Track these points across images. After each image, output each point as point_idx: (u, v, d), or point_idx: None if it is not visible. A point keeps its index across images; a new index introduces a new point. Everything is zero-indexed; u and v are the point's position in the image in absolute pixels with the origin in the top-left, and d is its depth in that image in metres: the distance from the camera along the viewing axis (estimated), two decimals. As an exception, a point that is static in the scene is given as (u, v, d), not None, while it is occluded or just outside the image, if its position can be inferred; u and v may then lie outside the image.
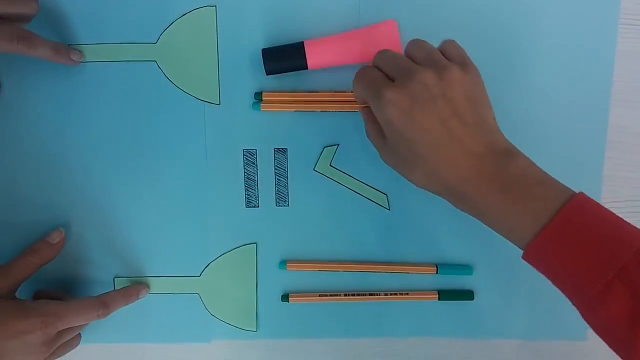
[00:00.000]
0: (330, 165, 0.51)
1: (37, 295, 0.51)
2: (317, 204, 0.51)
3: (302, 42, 0.46)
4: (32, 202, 0.51)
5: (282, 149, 0.51)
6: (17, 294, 0.47)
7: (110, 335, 0.53)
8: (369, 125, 0.45)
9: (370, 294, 0.53)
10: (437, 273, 0.52)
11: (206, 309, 0.53)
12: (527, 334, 0.54)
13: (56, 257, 0.50)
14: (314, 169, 0.51)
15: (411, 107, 0.39)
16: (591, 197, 0.50)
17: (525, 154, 0.40)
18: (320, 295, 0.52)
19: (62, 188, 0.51)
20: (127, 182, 0.51)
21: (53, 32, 0.48)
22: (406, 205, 0.51)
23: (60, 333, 0.45)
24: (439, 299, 0.53)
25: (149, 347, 0.54)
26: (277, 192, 0.51)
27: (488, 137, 0.40)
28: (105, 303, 0.47)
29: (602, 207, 0.38)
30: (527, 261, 0.39)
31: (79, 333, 0.50)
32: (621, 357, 0.37)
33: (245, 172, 0.51)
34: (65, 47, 0.47)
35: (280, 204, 0.52)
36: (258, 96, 0.49)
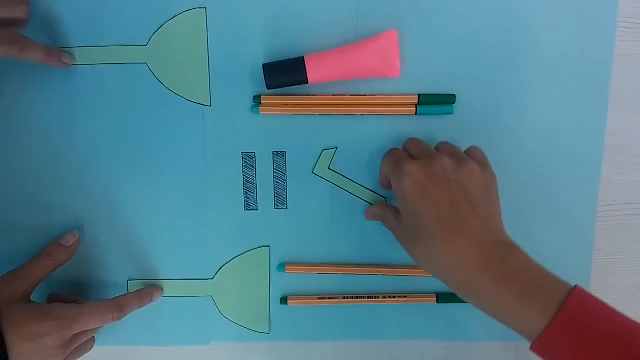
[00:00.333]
0: (329, 168, 0.51)
1: (51, 298, 0.51)
2: (316, 207, 0.52)
3: (303, 57, 0.46)
4: (37, 204, 0.51)
5: (281, 152, 0.51)
6: (31, 297, 0.48)
7: (123, 338, 0.54)
8: (387, 209, 0.48)
9: (368, 297, 0.53)
10: (435, 276, 0.52)
11: (219, 311, 0.53)
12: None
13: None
14: (312, 172, 0.51)
15: (426, 181, 0.42)
16: (588, 199, 0.51)
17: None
18: (319, 298, 0.53)
19: (66, 190, 0.51)
20: (130, 185, 0.51)
21: (44, 35, 0.48)
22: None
23: (76, 336, 0.45)
24: (437, 302, 0.53)
25: (155, 350, 0.55)
26: (276, 195, 0.51)
27: (495, 230, 0.42)
28: (120, 306, 0.47)
29: (598, 299, 0.39)
30: (536, 353, 0.39)
31: (93, 336, 0.50)
32: None
33: (244, 175, 0.51)
34: (57, 50, 0.47)
35: (279, 207, 0.52)
36: (257, 99, 0.49)
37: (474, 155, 0.45)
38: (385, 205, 0.49)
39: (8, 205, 0.51)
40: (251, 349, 0.54)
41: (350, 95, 0.49)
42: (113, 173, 0.51)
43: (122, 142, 0.51)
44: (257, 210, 0.52)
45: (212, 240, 0.52)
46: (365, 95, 0.49)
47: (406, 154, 0.46)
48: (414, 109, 0.49)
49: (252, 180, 0.51)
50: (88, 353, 0.50)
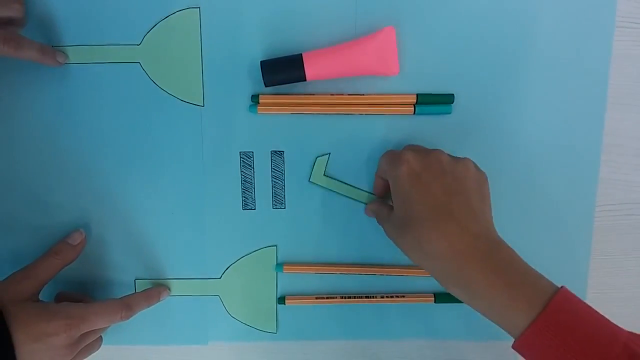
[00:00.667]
0: (324, 175, 0.51)
1: (59, 297, 0.51)
2: (314, 206, 0.52)
3: (301, 54, 0.46)
4: (36, 203, 0.51)
5: (279, 151, 0.51)
6: (39, 296, 0.47)
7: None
8: (382, 206, 0.48)
9: (366, 297, 0.53)
10: (433, 275, 0.52)
11: (226, 310, 0.53)
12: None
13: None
14: (309, 180, 0.51)
15: (421, 170, 0.43)
16: (586, 199, 0.51)
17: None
18: (316, 298, 0.53)
19: (65, 189, 0.51)
20: (128, 184, 0.51)
21: (38, 33, 0.48)
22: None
23: (84, 335, 0.45)
24: (435, 302, 0.53)
25: (156, 350, 0.55)
26: (274, 195, 0.51)
27: (485, 225, 0.42)
28: (128, 305, 0.47)
29: (583, 301, 0.39)
30: (517, 350, 0.40)
31: (101, 336, 0.50)
32: None
33: (242, 175, 0.51)
34: (51, 49, 0.47)
35: (277, 207, 0.52)
36: (255, 99, 0.49)
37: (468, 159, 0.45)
38: (381, 202, 0.49)
39: (9, 204, 0.51)
40: (254, 348, 0.54)
41: (349, 94, 0.49)
42: (110, 172, 0.51)
43: (116, 141, 0.50)
44: (254, 209, 0.52)
45: (212, 240, 0.52)
46: (363, 94, 0.49)
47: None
48: (412, 108, 0.49)
49: (250, 180, 0.51)
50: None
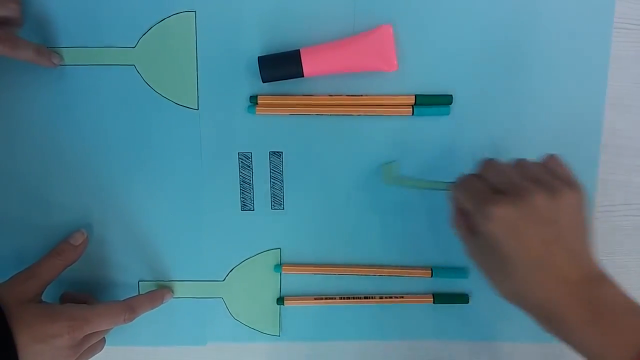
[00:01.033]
0: (396, 176, 0.50)
1: (64, 298, 0.51)
2: (313, 207, 0.52)
3: (299, 50, 0.46)
4: (34, 203, 0.51)
5: (278, 152, 0.51)
6: (42, 297, 0.47)
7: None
8: (457, 216, 0.45)
9: (365, 297, 0.53)
10: (432, 276, 0.52)
11: (230, 313, 0.53)
12: (521, 336, 0.54)
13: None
14: (384, 183, 0.50)
15: (517, 225, 0.39)
16: (589, 203, 0.51)
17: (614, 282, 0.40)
18: (315, 299, 0.53)
19: (64, 189, 0.51)
20: (127, 186, 0.51)
21: (34, 34, 0.48)
22: (401, 208, 0.51)
23: (87, 337, 0.45)
24: (434, 302, 0.53)
25: (157, 350, 0.55)
26: (273, 196, 0.51)
27: (585, 263, 0.40)
28: (132, 307, 0.47)
29: None
30: None
31: (104, 337, 0.50)
32: None
33: (240, 176, 0.51)
34: (47, 50, 0.47)
35: (276, 208, 0.52)
36: (253, 99, 0.49)
37: (557, 173, 0.41)
38: (461, 217, 0.44)
39: (8, 204, 0.51)
40: (254, 349, 0.54)
41: (347, 95, 0.49)
42: (108, 174, 0.51)
43: (111, 143, 0.50)
44: (253, 210, 0.52)
45: (212, 242, 0.52)
46: (362, 95, 0.49)
47: (487, 186, 0.42)
48: (411, 109, 0.49)
49: (248, 181, 0.51)
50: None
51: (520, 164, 0.43)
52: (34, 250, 0.51)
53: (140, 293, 0.53)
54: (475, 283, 0.53)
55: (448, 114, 0.49)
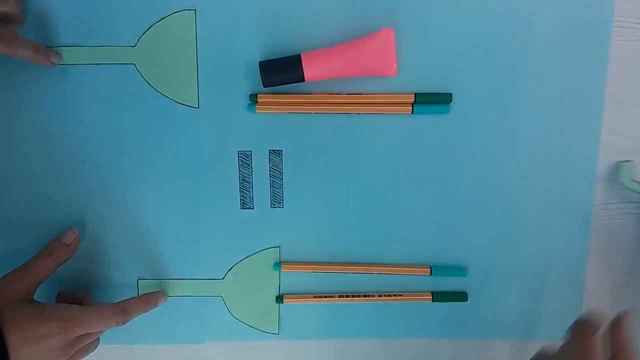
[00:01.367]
0: (632, 180, 0.50)
1: (60, 295, 0.50)
2: (312, 205, 0.52)
3: (299, 55, 0.46)
4: (33, 203, 0.51)
5: (277, 150, 0.51)
6: (36, 296, 0.47)
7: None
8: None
9: (364, 296, 0.53)
10: (431, 274, 0.52)
11: (229, 311, 0.53)
12: (520, 334, 0.54)
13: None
14: (621, 184, 0.50)
15: None
16: (584, 199, 0.51)
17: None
18: (314, 297, 0.53)
19: (63, 189, 0.51)
20: (126, 185, 0.51)
21: (33, 33, 0.48)
22: (400, 206, 0.52)
23: (79, 338, 0.45)
24: (432, 301, 0.53)
25: (155, 348, 0.55)
26: (272, 194, 0.51)
27: None
28: (125, 310, 0.47)
29: None
30: None
31: (98, 337, 0.49)
32: None
33: (240, 174, 0.51)
34: (46, 48, 0.47)
35: (275, 206, 0.52)
36: (253, 98, 0.49)
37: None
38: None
39: (5, 203, 0.51)
40: (252, 347, 0.54)
41: (347, 94, 0.49)
42: (108, 173, 0.51)
43: (111, 142, 0.50)
44: (253, 209, 0.52)
45: (211, 240, 0.52)
46: (361, 94, 0.49)
47: None
48: (411, 107, 0.49)
49: (248, 179, 0.51)
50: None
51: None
52: (31, 250, 0.50)
53: (139, 292, 0.53)
54: (474, 281, 0.53)
55: (448, 112, 0.49)
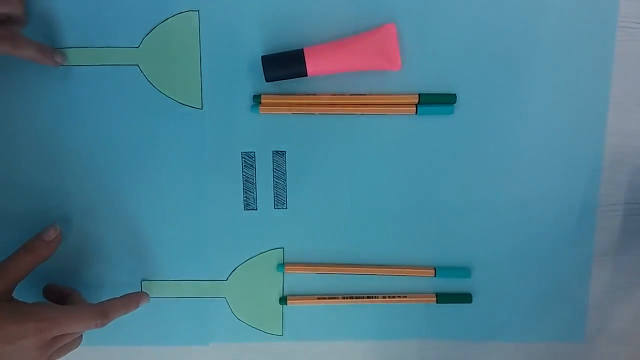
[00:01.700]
0: None
1: (47, 289, 0.50)
2: (316, 206, 0.51)
3: (302, 49, 0.46)
4: (33, 204, 0.51)
5: (281, 151, 0.51)
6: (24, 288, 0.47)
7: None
8: None
9: (368, 297, 0.53)
10: (435, 276, 0.52)
11: (232, 313, 0.53)
12: (525, 336, 0.54)
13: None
14: None
15: None
16: (589, 199, 0.51)
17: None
18: (318, 298, 0.53)
19: (63, 189, 0.51)
20: (129, 186, 0.51)
21: (37, 34, 0.48)
22: (404, 208, 0.51)
23: (57, 338, 0.44)
24: (437, 302, 0.53)
25: (157, 350, 0.54)
26: (276, 195, 0.51)
27: None
28: (104, 312, 0.46)
29: None
30: None
31: (81, 335, 0.49)
32: None
33: (243, 175, 0.51)
34: (50, 48, 0.47)
35: (279, 207, 0.51)
36: (257, 99, 0.49)
37: None
38: None
39: (8, 203, 0.51)
40: (256, 349, 0.54)
41: (351, 94, 0.49)
42: (111, 175, 0.51)
43: (115, 143, 0.50)
44: (256, 210, 0.52)
45: (215, 241, 0.52)
46: (365, 94, 0.49)
47: None
48: (415, 108, 0.49)
49: (251, 180, 0.51)
50: (94, 354, 0.50)
51: None
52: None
53: (142, 291, 0.53)
54: (478, 283, 0.53)
55: (452, 113, 0.49)
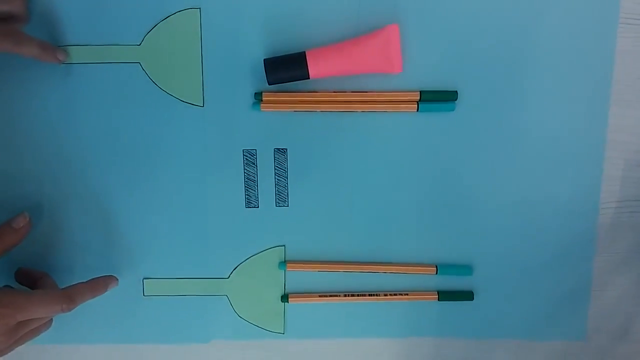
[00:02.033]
0: None
1: (19, 273, 0.50)
2: (317, 204, 0.51)
3: (304, 52, 0.46)
4: (32, 202, 0.51)
5: (282, 149, 0.51)
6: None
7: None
8: None
9: (370, 295, 0.53)
10: (437, 273, 0.52)
11: (234, 310, 0.53)
12: (526, 334, 0.54)
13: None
14: None
15: None
16: (590, 196, 0.51)
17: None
18: (320, 296, 0.52)
19: (62, 188, 0.51)
20: (129, 184, 0.51)
21: (39, 32, 0.48)
22: (406, 205, 0.51)
23: (22, 323, 0.44)
24: (438, 300, 0.52)
25: (158, 348, 0.54)
26: (277, 193, 0.51)
27: None
28: (70, 297, 0.45)
29: None
30: None
31: (51, 319, 0.48)
32: None
33: (245, 173, 0.51)
34: (52, 46, 0.47)
35: (280, 205, 0.51)
36: (258, 96, 0.49)
37: None
38: None
39: (10, 201, 0.51)
40: (258, 346, 0.54)
41: (352, 92, 0.49)
42: (112, 172, 0.51)
43: (117, 141, 0.50)
44: (258, 207, 0.52)
45: (216, 239, 0.52)
46: (366, 92, 0.49)
47: None
48: (416, 105, 0.49)
49: (253, 178, 0.51)
50: (96, 352, 0.50)
51: None
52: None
53: (144, 291, 0.53)
54: (480, 280, 0.53)
55: (453, 110, 0.49)
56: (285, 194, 0.51)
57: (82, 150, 0.50)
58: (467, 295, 0.53)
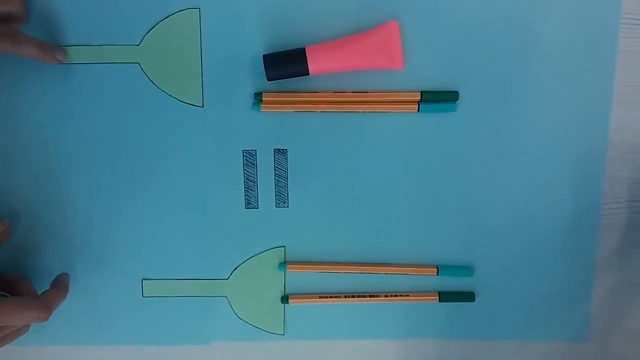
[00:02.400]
0: None
1: None
2: (317, 205, 0.51)
3: (304, 48, 0.46)
4: (31, 204, 0.51)
5: (282, 149, 0.50)
6: None
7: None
8: None
9: (370, 296, 0.52)
10: (437, 274, 0.52)
11: (234, 312, 0.53)
12: (528, 335, 0.54)
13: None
14: None
15: None
16: (592, 197, 0.51)
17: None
18: (320, 297, 0.52)
19: (62, 188, 0.51)
20: (129, 185, 0.51)
21: (37, 32, 0.48)
22: (406, 206, 0.51)
23: None
24: (439, 301, 0.52)
25: (158, 349, 0.54)
26: (277, 193, 0.51)
27: None
28: (47, 306, 0.44)
29: None
30: None
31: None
32: None
33: (244, 173, 0.51)
34: (50, 46, 0.47)
35: (280, 205, 0.51)
36: (258, 96, 0.49)
37: None
38: None
39: (10, 203, 0.51)
40: (258, 348, 0.54)
41: (352, 92, 0.49)
42: (111, 173, 0.51)
43: (115, 141, 0.50)
44: (257, 208, 0.51)
45: (216, 240, 0.52)
46: (367, 92, 0.49)
47: None
48: (417, 106, 0.48)
49: (253, 178, 0.51)
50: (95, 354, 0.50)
51: None
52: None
53: (143, 292, 0.52)
54: (481, 281, 0.52)
55: (454, 110, 0.49)
56: (285, 194, 0.51)
57: (81, 151, 0.50)
58: (468, 297, 0.52)
